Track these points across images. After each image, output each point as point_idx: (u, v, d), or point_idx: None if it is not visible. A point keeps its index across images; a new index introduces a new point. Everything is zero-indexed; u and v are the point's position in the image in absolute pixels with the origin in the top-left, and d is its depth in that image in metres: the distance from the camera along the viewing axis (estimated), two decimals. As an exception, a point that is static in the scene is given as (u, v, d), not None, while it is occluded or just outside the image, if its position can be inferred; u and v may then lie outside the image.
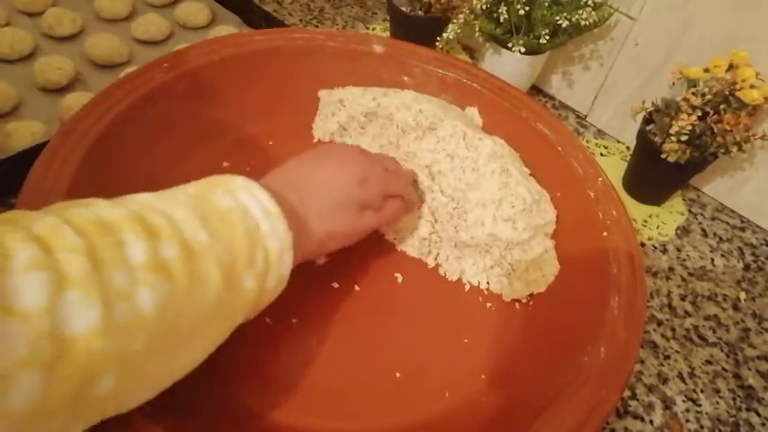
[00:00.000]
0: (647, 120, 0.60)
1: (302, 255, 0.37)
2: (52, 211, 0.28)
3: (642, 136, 0.59)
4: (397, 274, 0.49)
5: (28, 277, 0.23)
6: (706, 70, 0.56)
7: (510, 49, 0.63)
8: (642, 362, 0.50)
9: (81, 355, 0.24)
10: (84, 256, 0.25)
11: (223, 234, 0.31)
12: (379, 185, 0.44)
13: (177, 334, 0.29)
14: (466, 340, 0.46)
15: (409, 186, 0.49)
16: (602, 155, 0.69)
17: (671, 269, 0.58)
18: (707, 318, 0.55)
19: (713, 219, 0.64)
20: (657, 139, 0.57)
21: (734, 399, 0.49)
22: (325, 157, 0.43)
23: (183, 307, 0.28)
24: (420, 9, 0.67)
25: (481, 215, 0.47)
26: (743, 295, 0.57)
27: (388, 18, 0.73)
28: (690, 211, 0.65)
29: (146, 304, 0.26)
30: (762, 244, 0.63)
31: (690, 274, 0.58)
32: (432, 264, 0.50)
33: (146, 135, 0.50)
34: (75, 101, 0.57)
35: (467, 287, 0.49)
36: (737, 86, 0.53)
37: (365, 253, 0.49)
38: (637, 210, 0.63)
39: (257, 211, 0.33)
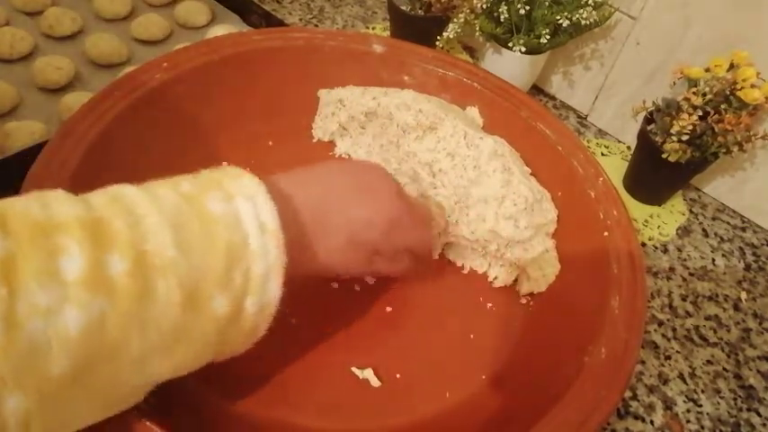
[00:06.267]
0: (648, 119, 0.59)
1: (297, 280, 0.32)
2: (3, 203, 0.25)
3: (643, 136, 0.59)
4: (398, 277, 0.49)
5: None
6: (707, 70, 0.56)
7: (510, 48, 0.63)
8: (643, 362, 0.50)
9: None
10: None
11: (197, 247, 0.28)
12: (404, 239, 0.39)
13: (120, 358, 0.25)
14: (466, 340, 0.46)
15: (431, 245, 0.44)
16: (602, 154, 0.69)
17: (672, 269, 0.58)
18: (708, 318, 0.55)
19: (714, 219, 0.64)
20: (658, 139, 0.57)
21: (735, 399, 0.49)
22: (364, 186, 0.38)
23: (127, 329, 0.25)
24: (420, 8, 0.67)
25: (483, 211, 0.47)
26: (744, 295, 0.57)
27: (388, 17, 0.73)
28: (691, 211, 0.64)
29: (71, 325, 0.23)
30: (763, 244, 0.63)
31: (691, 275, 0.58)
32: (435, 256, 0.50)
33: (145, 135, 0.50)
34: (74, 101, 0.57)
35: (467, 287, 0.49)
36: (738, 86, 0.53)
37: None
38: (637, 210, 0.63)
39: (251, 223, 0.29)
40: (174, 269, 0.26)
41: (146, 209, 0.27)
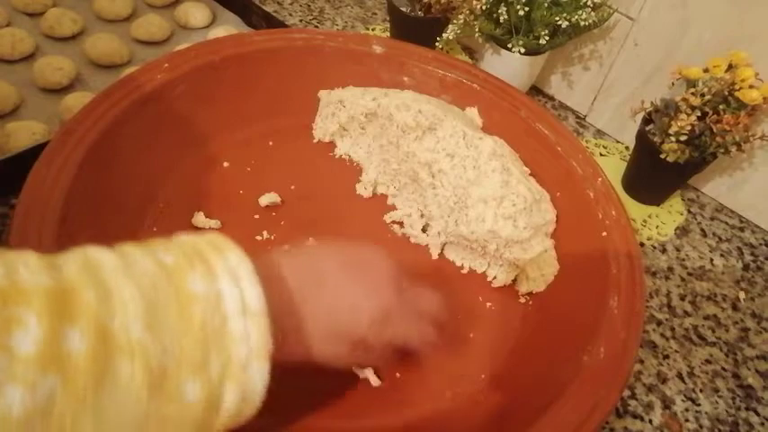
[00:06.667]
0: (647, 120, 0.60)
1: (281, 365, 0.30)
2: None
3: (641, 136, 0.60)
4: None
5: None
6: (705, 70, 0.56)
7: (510, 49, 0.64)
8: (641, 361, 0.50)
9: None
10: None
11: (170, 328, 0.25)
12: (391, 333, 0.36)
13: None
14: (466, 340, 0.46)
15: (428, 339, 0.39)
16: (601, 155, 0.69)
17: (670, 269, 0.59)
18: (706, 317, 0.55)
19: (712, 219, 0.65)
20: (657, 140, 0.57)
21: (733, 398, 0.49)
22: (357, 273, 0.35)
23: (79, 414, 0.22)
24: (420, 9, 0.67)
25: (482, 211, 0.47)
26: (742, 295, 0.57)
27: (388, 18, 0.73)
28: (689, 211, 0.65)
29: (13, 405, 0.21)
30: (761, 244, 0.63)
31: (689, 274, 0.58)
32: (435, 256, 0.51)
33: (146, 135, 0.50)
34: (75, 101, 0.57)
35: (466, 286, 0.50)
36: (737, 86, 0.54)
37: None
38: (636, 210, 0.63)
39: (233, 304, 0.27)
40: (142, 350, 0.24)
41: (120, 282, 0.25)
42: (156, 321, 0.25)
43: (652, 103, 0.59)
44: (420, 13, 0.67)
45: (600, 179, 0.51)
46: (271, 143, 0.57)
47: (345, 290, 0.34)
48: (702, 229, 0.63)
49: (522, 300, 0.49)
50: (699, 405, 0.48)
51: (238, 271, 0.28)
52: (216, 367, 0.26)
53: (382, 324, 0.34)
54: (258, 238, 0.50)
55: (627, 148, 0.70)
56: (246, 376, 0.27)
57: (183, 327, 0.26)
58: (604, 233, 0.48)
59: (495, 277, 0.50)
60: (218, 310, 0.27)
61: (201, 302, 0.27)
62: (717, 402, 0.49)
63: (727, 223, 0.64)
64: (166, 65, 0.52)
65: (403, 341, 0.37)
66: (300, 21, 0.79)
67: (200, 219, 0.49)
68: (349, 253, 0.36)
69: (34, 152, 0.44)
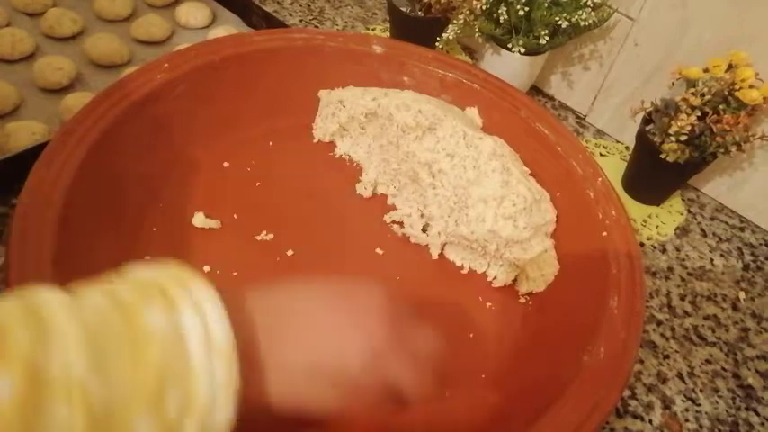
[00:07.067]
0: (647, 120, 0.60)
1: (249, 411, 0.28)
2: None
3: (641, 136, 0.60)
4: (398, 277, 0.49)
5: None
6: (705, 70, 0.56)
7: (510, 49, 0.64)
8: (642, 361, 0.50)
9: None
10: None
11: (120, 368, 0.24)
12: (384, 376, 0.32)
13: None
14: (466, 340, 0.46)
15: (419, 382, 0.34)
16: (601, 155, 0.69)
17: (670, 269, 0.59)
18: (706, 317, 0.55)
19: (712, 219, 0.65)
20: (657, 140, 0.57)
21: (733, 398, 0.49)
22: (343, 309, 0.32)
23: None
24: (420, 9, 0.67)
25: (482, 212, 0.47)
26: (742, 295, 0.57)
27: (388, 18, 0.73)
28: (689, 211, 0.65)
29: None
30: (761, 244, 0.63)
31: (689, 274, 0.58)
32: (435, 256, 0.51)
33: (146, 135, 0.50)
34: (75, 101, 0.57)
35: (466, 286, 0.50)
36: (737, 86, 0.54)
37: (365, 248, 0.50)
38: (636, 210, 0.63)
39: (196, 340, 0.25)
40: (82, 393, 0.22)
41: (63, 321, 0.23)
42: (104, 361, 0.23)
43: (652, 103, 0.59)
44: (420, 13, 0.67)
45: (600, 179, 0.51)
46: (271, 143, 0.57)
47: (328, 328, 0.31)
48: (702, 229, 0.63)
49: (522, 300, 0.49)
50: (699, 405, 0.48)
51: (204, 305, 0.26)
52: (173, 406, 0.24)
53: (374, 365, 0.31)
54: (258, 238, 0.50)
55: (627, 148, 0.70)
56: (210, 418, 0.25)
57: (135, 366, 0.24)
58: (604, 233, 0.48)
59: (495, 277, 0.50)
60: (178, 346, 0.25)
61: (158, 339, 0.25)
62: (717, 402, 0.49)
63: (727, 223, 0.64)
64: (166, 65, 0.52)
65: (396, 386, 0.32)
66: (300, 21, 0.79)
67: (200, 219, 0.49)
68: (335, 289, 0.33)
69: (34, 152, 0.44)
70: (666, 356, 0.51)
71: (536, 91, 0.76)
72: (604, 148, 0.70)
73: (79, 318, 0.24)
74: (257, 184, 0.54)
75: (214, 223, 0.50)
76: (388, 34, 0.75)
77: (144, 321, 0.25)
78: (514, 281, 0.50)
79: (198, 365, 0.25)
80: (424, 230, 0.52)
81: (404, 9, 0.68)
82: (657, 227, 0.62)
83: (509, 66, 0.66)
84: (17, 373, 0.21)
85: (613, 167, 0.66)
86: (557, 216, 0.51)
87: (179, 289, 0.27)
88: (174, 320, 0.25)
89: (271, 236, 0.50)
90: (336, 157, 0.58)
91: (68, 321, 0.23)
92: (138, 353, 0.24)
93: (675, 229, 0.62)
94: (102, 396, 0.23)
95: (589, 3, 0.61)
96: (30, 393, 0.21)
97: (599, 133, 0.72)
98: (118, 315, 0.25)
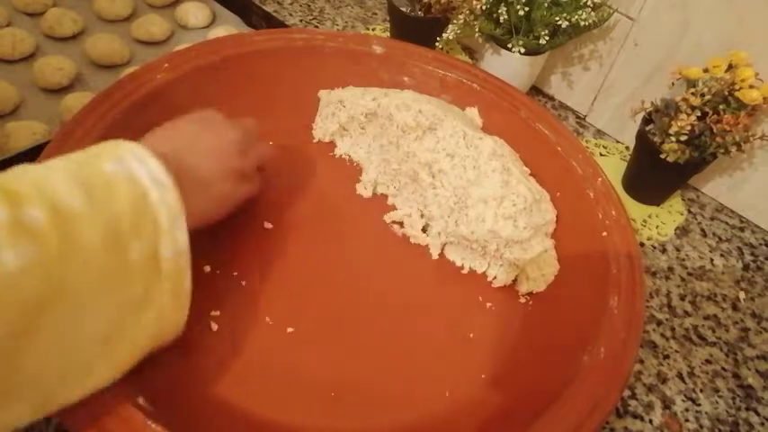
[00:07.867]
0: (647, 120, 0.60)
1: (194, 223, 0.35)
2: None
3: (641, 136, 0.60)
4: (398, 277, 0.49)
5: None
6: (705, 70, 0.56)
7: (510, 49, 0.64)
8: (642, 361, 0.50)
9: None
10: None
11: (104, 200, 0.30)
12: (254, 156, 0.45)
13: (63, 302, 0.27)
14: (466, 339, 0.46)
15: (271, 153, 0.49)
16: (601, 155, 0.69)
17: (670, 269, 0.59)
18: (706, 317, 0.55)
19: (712, 219, 0.65)
20: (657, 140, 0.58)
21: (733, 398, 0.49)
22: (206, 124, 0.43)
23: (63, 273, 0.27)
24: (420, 9, 0.67)
25: (482, 212, 0.47)
26: (742, 295, 0.57)
27: (388, 18, 0.73)
28: (689, 211, 0.65)
29: (10, 264, 0.25)
30: (761, 244, 0.63)
31: (689, 274, 0.58)
32: (435, 256, 0.51)
33: (146, 135, 0.50)
34: (75, 101, 0.57)
35: (466, 286, 0.50)
36: (737, 86, 0.54)
37: (368, 249, 0.50)
38: (636, 210, 0.63)
39: (146, 179, 0.32)
40: (90, 218, 0.29)
41: (43, 172, 0.30)
42: (92, 195, 0.29)
43: (652, 103, 0.59)
44: (420, 13, 0.67)
45: (600, 179, 0.51)
46: (270, 143, 0.57)
47: (211, 136, 0.41)
48: (702, 229, 0.63)
49: (522, 300, 0.49)
50: (699, 405, 0.48)
51: (139, 154, 0.33)
52: (149, 231, 0.31)
53: (246, 151, 0.43)
54: (258, 237, 0.50)
55: (627, 148, 0.70)
56: (174, 237, 0.32)
57: (112, 199, 0.30)
58: (604, 233, 0.48)
59: (495, 277, 0.50)
60: (136, 184, 0.32)
61: (120, 179, 0.31)
62: (717, 402, 0.49)
63: (727, 223, 0.64)
64: (166, 65, 0.53)
65: (261, 160, 0.47)
66: (300, 21, 0.79)
67: (200, 219, 0.49)
68: (196, 117, 0.43)
69: (34, 152, 0.44)
70: (666, 356, 0.51)
71: (536, 91, 0.76)
72: (604, 148, 0.70)
73: (58, 167, 0.31)
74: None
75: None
76: (388, 34, 0.75)
77: (103, 169, 0.31)
78: (514, 281, 0.50)
79: (155, 197, 0.32)
80: (424, 230, 0.52)
81: (404, 9, 0.68)
82: (657, 227, 0.62)
83: (509, 66, 0.66)
84: (43, 208, 0.27)
85: (613, 167, 0.66)
86: (557, 216, 0.51)
87: (114, 147, 0.34)
88: (123, 166, 0.32)
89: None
90: (336, 157, 0.58)
91: (52, 169, 0.30)
92: (111, 190, 0.31)
93: (675, 229, 0.62)
94: (103, 221, 0.29)
95: (589, 3, 0.61)
96: (58, 220, 0.27)
97: (599, 133, 0.72)
98: (79, 166, 0.31)
